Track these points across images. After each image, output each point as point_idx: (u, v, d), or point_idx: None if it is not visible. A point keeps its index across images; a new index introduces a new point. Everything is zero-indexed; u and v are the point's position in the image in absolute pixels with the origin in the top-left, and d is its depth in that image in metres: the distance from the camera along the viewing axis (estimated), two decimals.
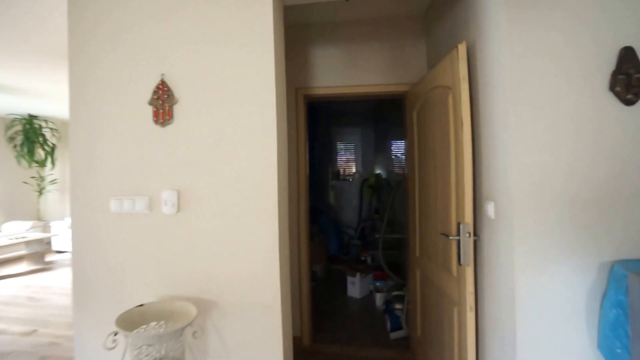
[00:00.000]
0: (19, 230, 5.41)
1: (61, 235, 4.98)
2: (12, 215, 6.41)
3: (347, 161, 6.18)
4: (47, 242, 4.89)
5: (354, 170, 6.12)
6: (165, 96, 1.61)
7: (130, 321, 1.46)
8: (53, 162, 6.46)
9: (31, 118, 6.12)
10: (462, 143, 1.51)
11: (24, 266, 4.85)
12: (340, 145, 6.19)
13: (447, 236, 1.65)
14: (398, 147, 5.09)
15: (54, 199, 6.97)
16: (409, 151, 2.39)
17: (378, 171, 5.74)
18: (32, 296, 3.77)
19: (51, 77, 3.85)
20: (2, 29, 2.55)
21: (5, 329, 3.01)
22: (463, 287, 1.53)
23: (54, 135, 6.64)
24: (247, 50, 1.56)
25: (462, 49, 1.52)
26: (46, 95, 4.74)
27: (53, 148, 6.42)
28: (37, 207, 6.55)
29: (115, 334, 1.39)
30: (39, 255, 4.87)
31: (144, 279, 1.65)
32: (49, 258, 5.25)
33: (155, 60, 1.62)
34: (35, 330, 2.98)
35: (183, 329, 1.38)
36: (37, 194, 6.52)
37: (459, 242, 1.54)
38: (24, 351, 2.65)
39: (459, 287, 1.58)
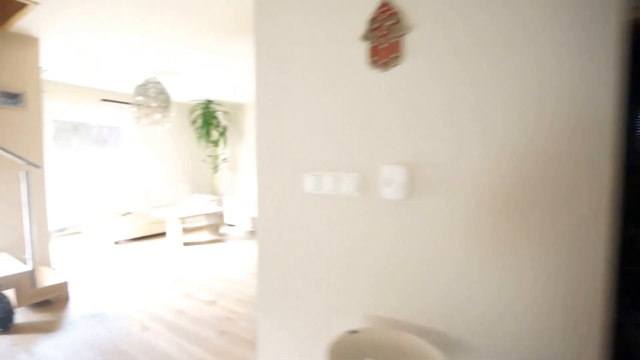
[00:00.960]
0: (200, 203, 6.16)
1: (232, 209, 5.43)
2: (195, 189, 7.44)
3: None
4: (221, 216, 5.35)
5: None
6: (390, 23, 1.06)
7: (341, 352, 1.00)
8: (225, 142, 7.15)
9: (208, 102, 6.83)
10: None
11: (204, 235, 5.43)
12: None
13: None
14: None
15: (225, 176, 7.81)
16: None
17: None
18: (212, 265, 4.04)
19: (218, 60, 4.00)
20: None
21: (193, 294, 3.19)
22: None
23: (226, 117, 7.34)
24: None
25: None
26: (219, 78, 5.09)
27: (225, 129, 7.09)
28: (212, 182, 7.42)
29: None
30: (215, 227, 5.37)
31: (346, 287, 1.20)
32: (222, 230, 5.79)
33: None
34: (215, 301, 3.06)
35: None
36: (212, 171, 7.38)
37: None
38: (207, 322, 2.69)
39: None
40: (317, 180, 1.23)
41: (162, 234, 5.46)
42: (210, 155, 7.45)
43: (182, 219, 4.70)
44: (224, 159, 7.40)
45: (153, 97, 4.72)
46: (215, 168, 7.19)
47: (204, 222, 5.51)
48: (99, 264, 4.05)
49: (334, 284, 1.23)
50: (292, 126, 1.29)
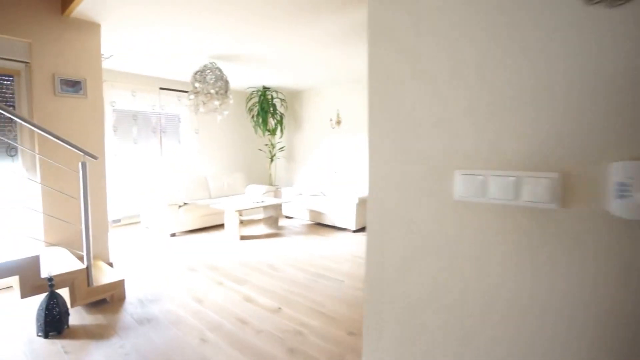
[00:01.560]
0: (257, 194, 5.91)
1: (290, 201, 5.09)
2: (251, 180, 7.25)
3: None
4: (279, 208, 5.03)
5: None
6: None
7: None
8: (282, 131, 6.84)
9: (264, 90, 6.53)
10: None
11: (261, 228, 5.16)
12: None
13: None
14: None
15: (282, 166, 7.53)
16: None
17: None
18: (272, 263, 3.71)
19: (275, 44, 3.57)
20: None
21: (254, 298, 2.86)
22: None
23: (282, 104, 7.01)
24: None
25: None
26: (275, 65, 4.72)
27: (282, 117, 6.76)
28: (268, 172, 7.17)
29: None
30: (273, 220, 5.07)
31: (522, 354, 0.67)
32: (280, 223, 5.49)
33: None
34: (279, 309, 2.69)
35: None
36: (269, 160, 7.13)
37: None
38: (273, 334, 2.33)
39: None
40: (478, 182, 0.72)
41: (219, 226, 5.29)
42: (266, 145, 7.21)
43: (240, 211, 4.44)
44: (281, 148, 7.11)
45: (211, 84, 4.47)
46: (272, 157, 6.92)
47: (261, 214, 5.24)
48: (155, 258, 3.91)
49: (494, 348, 0.72)
50: (433, 100, 0.78)
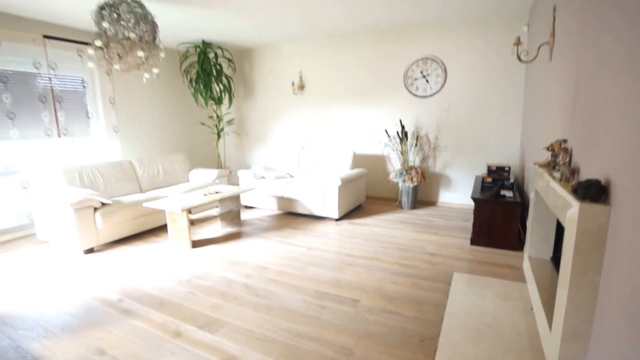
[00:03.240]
0: (206, 181, 4.60)
1: (254, 188, 3.91)
2: (194, 163, 5.84)
3: None
4: (238, 198, 3.84)
5: None
6: None
7: None
8: (231, 99, 5.46)
9: (205, 46, 5.07)
10: None
11: (217, 227, 3.94)
12: None
13: None
14: None
15: (231, 143, 6.19)
16: None
17: None
18: (246, 282, 2.60)
19: None
20: None
21: (237, 355, 1.77)
22: None
23: (230, 66, 5.60)
24: None
25: None
26: (218, 8, 3.34)
27: (229, 81, 5.38)
28: (216, 152, 5.82)
29: None
30: (233, 214, 3.88)
31: None
32: (242, 216, 4.30)
33: None
34: None
35: None
36: (215, 137, 5.75)
37: None
38: None
39: None
40: None
41: (159, 230, 3.95)
42: (211, 117, 5.78)
43: (188, 209, 3.18)
44: (229, 121, 5.75)
45: (130, 26, 3.02)
46: (219, 133, 5.55)
47: (216, 208, 3.99)
48: (57, 291, 2.55)
49: None
50: None
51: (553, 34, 2.35)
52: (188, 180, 4.80)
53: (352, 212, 4.37)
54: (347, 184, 4.01)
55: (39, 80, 3.88)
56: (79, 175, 3.68)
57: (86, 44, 4.18)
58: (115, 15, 3.02)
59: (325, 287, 2.50)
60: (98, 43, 2.90)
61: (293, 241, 3.43)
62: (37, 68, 3.84)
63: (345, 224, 3.93)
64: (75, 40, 4.13)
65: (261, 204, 4.54)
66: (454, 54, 4.16)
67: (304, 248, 3.24)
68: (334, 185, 3.88)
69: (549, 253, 2.29)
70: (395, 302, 2.26)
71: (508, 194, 3.13)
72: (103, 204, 3.39)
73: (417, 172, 4.13)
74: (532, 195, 2.33)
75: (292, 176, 4.81)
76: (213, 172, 4.68)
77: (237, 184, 5.93)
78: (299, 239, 3.47)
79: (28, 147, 3.83)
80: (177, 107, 5.50)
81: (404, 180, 4.15)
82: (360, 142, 4.98)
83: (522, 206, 3.23)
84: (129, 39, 3.02)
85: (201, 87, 5.15)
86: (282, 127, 5.61)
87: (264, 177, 4.65)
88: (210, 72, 5.12)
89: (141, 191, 4.25)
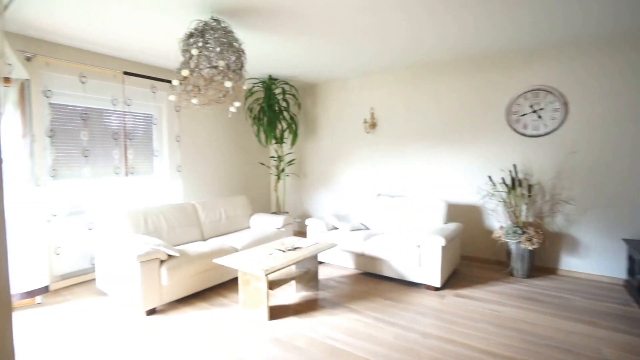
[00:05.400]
0: (270, 230, 4.00)
1: (336, 244, 3.23)
2: (253, 206, 5.32)
3: None
4: (315, 256, 3.17)
5: None
6: None
7: None
8: (295, 138, 4.99)
9: (271, 81, 4.70)
10: None
11: (292, 292, 3.26)
12: None
13: None
14: None
15: (289, 186, 5.66)
16: None
17: None
18: None
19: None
20: None
21: None
22: None
23: (296, 103, 5.20)
24: None
25: None
26: (311, 27, 2.85)
27: (293, 119, 4.94)
28: (275, 195, 5.28)
29: None
30: (311, 275, 3.20)
31: None
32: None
33: None
34: None
35: None
36: (274, 178, 5.24)
37: None
38: None
39: None
40: None
41: (219, 287, 3.33)
42: (272, 157, 5.30)
43: (268, 270, 2.54)
44: (290, 162, 5.25)
45: (215, 53, 2.60)
46: (279, 174, 5.04)
47: (293, 268, 3.31)
48: None
49: None
50: None
51: None
52: (249, 227, 4.22)
53: (451, 279, 3.54)
54: (449, 242, 3.27)
55: (114, 117, 3.60)
56: (144, 219, 3.23)
57: (159, 79, 3.92)
58: (201, 42, 2.62)
59: None
60: (185, 72, 2.48)
61: (393, 319, 2.68)
62: (114, 105, 3.59)
63: (450, 295, 3.13)
64: (149, 76, 3.87)
65: (334, 259, 3.86)
66: (576, 83, 3.47)
67: (415, 333, 2.47)
68: (435, 245, 3.15)
69: None
70: None
71: None
72: (169, 256, 2.83)
73: (536, 231, 3.34)
74: None
75: (367, 227, 4.14)
76: (278, 220, 4.08)
77: (299, 233, 5.31)
78: (401, 317, 2.72)
79: (97, 186, 3.48)
80: (238, 145, 5.08)
81: (518, 242, 3.35)
82: (448, 189, 4.27)
83: None
84: (215, 67, 2.58)
85: (265, 124, 4.72)
86: (349, 169, 5.02)
87: (336, 228, 4.01)
88: (276, 109, 4.71)
89: (203, 238, 3.69)
